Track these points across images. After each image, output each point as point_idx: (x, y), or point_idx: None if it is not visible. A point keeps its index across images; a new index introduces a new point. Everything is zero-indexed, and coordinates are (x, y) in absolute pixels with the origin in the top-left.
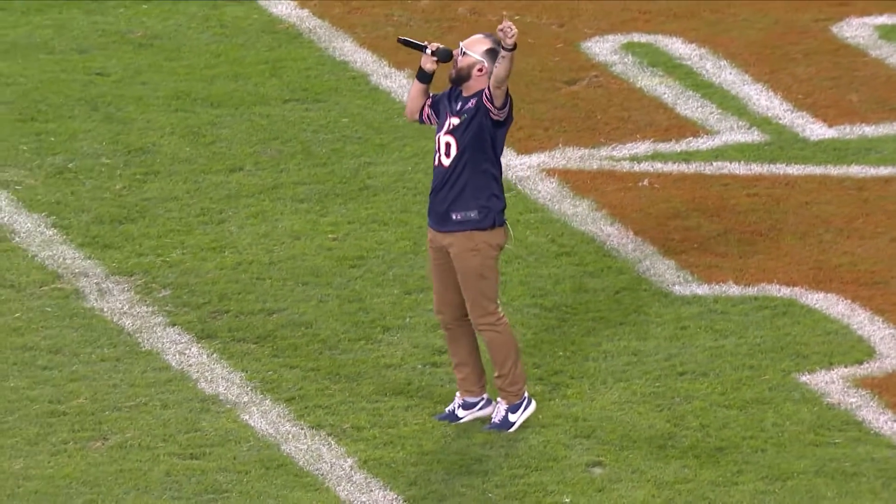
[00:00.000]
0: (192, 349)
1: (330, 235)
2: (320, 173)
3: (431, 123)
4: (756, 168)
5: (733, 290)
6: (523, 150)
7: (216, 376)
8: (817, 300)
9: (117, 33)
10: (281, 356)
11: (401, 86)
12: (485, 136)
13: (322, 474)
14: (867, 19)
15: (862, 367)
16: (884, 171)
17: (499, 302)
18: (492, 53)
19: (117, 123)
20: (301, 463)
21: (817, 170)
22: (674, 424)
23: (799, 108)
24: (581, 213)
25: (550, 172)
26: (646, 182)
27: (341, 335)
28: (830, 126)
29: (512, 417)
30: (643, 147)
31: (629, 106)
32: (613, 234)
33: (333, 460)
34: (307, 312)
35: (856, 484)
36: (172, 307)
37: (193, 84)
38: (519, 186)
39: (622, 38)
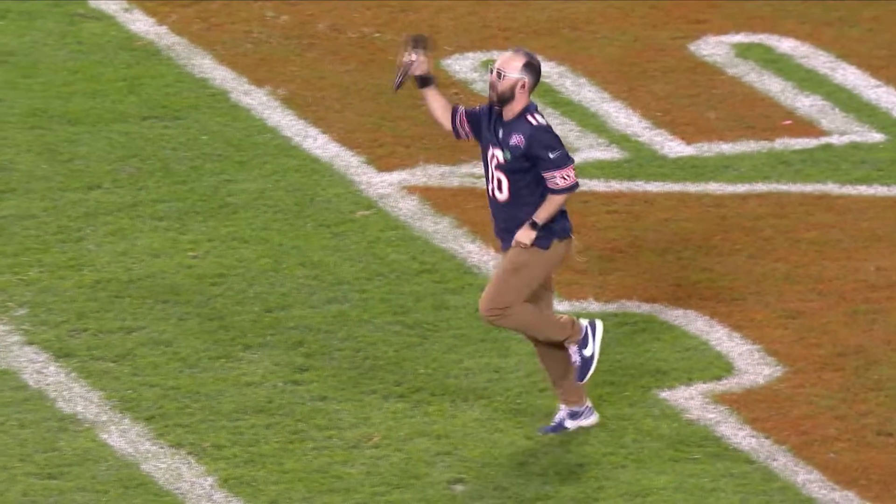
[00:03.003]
0: (50, 368)
1: (190, 253)
2: (180, 191)
3: (469, 139)
4: (615, 185)
5: (593, 306)
6: (384, 167)
7: (74, 395)
8: (676, 316)
9: None
10: (140, 375)
11: (260, 103)
12: (539, 171)
13: (182, 493)
14: (724, 37)
15: (720, 382)
16: (741, 188)
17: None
18: (529, 67)
19: None
20: (161, 482)
21: (676, 187)
22: (535, 441)
23: (657, 125)
24: (442, 231)
25: (411, 190)
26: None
27: (201, 353)
28: (689, 143)
29: (569, 424)
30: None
31: None
32: (475, 252)
33: (193, 479)
34: (167, 331)
35: (714, 499)
36: (30, 326)
37: (50, 101)
38: (380, 204)
39: (482, 56)
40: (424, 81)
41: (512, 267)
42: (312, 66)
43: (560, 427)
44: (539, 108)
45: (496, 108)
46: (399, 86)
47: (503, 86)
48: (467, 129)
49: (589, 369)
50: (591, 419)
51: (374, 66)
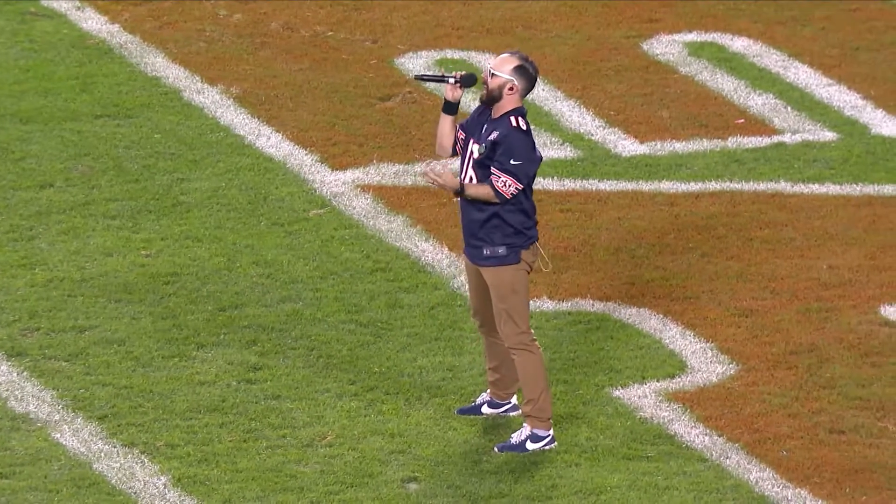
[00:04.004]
0: (2, 367)
1: (142, 252)
2: (132, 189)
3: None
4: (569, 184)
5: (547, 305)
6: (338, 166)
7: (26, 394)
8: (630, 315)
9: None
10: (93, 374)
11: (213, 101)
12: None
13: (135, 493)
14: (676, 36)
15: (674, 381)
16: (694, 186)
17: (530, 324)
18: (520, 70)
19: None
20: (113, 482)
21: (629, 185)
22: (489, 439)
23: (611, 124)
24: (396, 229)
25: (365, 188)
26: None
27: (154, 352)
28: (642, 142)
29: (530, 446)
30: (457, 163)
31: None
32: (428, 250)
33: (146, 479)
34: (120, 330)
35: (668, 497)
36: None
37: (1, 100)
38: (334, 203)
39: (436, 55)
40: (451, 108)
41: (508, 291)
42: (265, 65)
43: (476, 410)
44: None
45: (486, 107)
46: (422, 77)
47: (492, 84)
48: (460, 137)
49: (514, 449)
50: (511, 413)
51: (327, 65)
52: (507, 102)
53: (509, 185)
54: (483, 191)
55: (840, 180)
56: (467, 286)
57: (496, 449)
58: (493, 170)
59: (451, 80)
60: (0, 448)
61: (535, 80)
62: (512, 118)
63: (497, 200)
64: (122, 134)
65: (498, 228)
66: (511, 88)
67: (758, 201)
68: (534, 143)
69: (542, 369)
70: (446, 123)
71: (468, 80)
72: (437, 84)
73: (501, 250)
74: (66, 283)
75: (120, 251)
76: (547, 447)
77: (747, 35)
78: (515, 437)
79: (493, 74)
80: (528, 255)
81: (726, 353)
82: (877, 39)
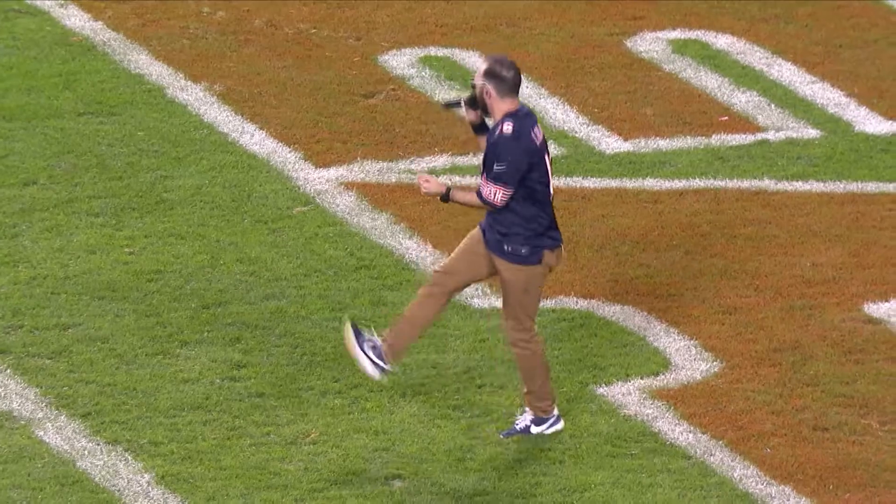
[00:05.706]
0: None
1: (126, 249)
2: (116, 187)
3: None
4: (553, 181)
5: None
6: (321, 163)
7: (10, 392)
8: (614, 312)
9: None
10: (77, 371)
11: (197, 99)
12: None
13: (119, 490)
14: (660, 34)
15: (658, 378)
16: (678, 184)
17: (536, 321)
18: (489, 74)
19: None
20: (97, 479)
21: (613, 183)
22: (472, 437)
23: (594, 121)
24: (380, 227)
25: (349, 186)
26: None
27: (138, 350)
28: (626, 140)
29: (534, 429)
30: (441, 160)
31: (427, 119)
32: (412, 248)
33: (130, 476)
34: (103, 327)
35: (652, 495)
36: None
37: None
38: (317, 200)
39: (419, 52)
40: (478, 129)
41: (521, 288)
42: (249, 62)
43: (526, 431)
44: (522, 114)
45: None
46: (448, 105)
47: (477, 94)
48: None
49: (520, 433)
50: (557, 426)
51: (310, 63)
52: (494, 108)
53: (496, 194)
54: (469, 197)
55: (823, 177)
56: (459, 248)
57: (501, 435)
58: (481, 178)
59: (462, 104)
60: None
61: (511, 75)
62: (500, 127)
63: (488, 208)
64: (105, 131)
65: (521, 226)
66: (487, 93)
67: (741, 199)
68: (525, 144)
69: (540, 363)
70: (483, 143)
71: (473, 102)
72: (425, 85)
73: (524, 251)
74: (50, 280)
75: (103, 248)
76: (552, 427)
77: (731, 32)
78: (519, 424)
79: (474, 86)
80: (551, 258)
81: (710, 351)
82: (860, 37)
